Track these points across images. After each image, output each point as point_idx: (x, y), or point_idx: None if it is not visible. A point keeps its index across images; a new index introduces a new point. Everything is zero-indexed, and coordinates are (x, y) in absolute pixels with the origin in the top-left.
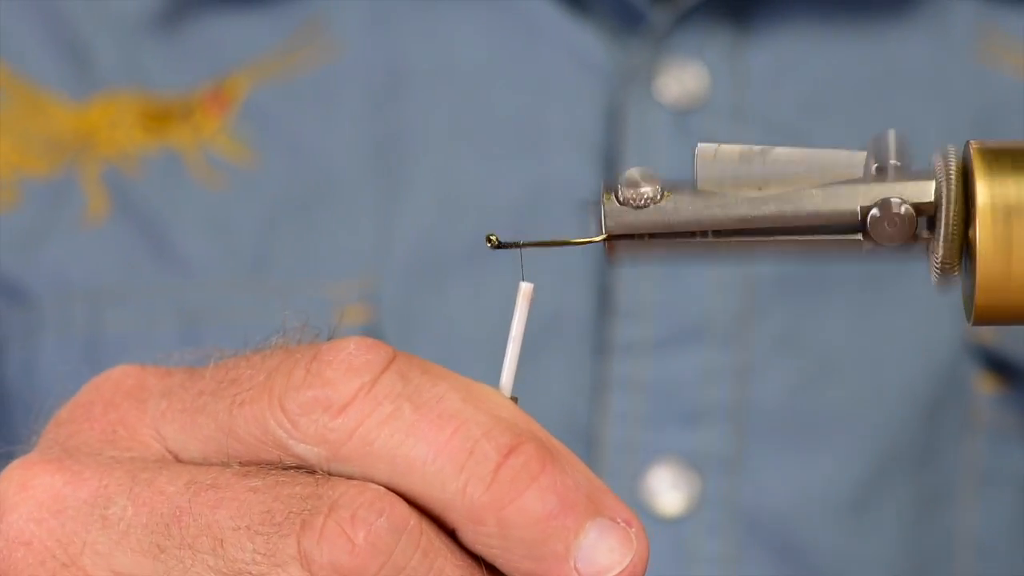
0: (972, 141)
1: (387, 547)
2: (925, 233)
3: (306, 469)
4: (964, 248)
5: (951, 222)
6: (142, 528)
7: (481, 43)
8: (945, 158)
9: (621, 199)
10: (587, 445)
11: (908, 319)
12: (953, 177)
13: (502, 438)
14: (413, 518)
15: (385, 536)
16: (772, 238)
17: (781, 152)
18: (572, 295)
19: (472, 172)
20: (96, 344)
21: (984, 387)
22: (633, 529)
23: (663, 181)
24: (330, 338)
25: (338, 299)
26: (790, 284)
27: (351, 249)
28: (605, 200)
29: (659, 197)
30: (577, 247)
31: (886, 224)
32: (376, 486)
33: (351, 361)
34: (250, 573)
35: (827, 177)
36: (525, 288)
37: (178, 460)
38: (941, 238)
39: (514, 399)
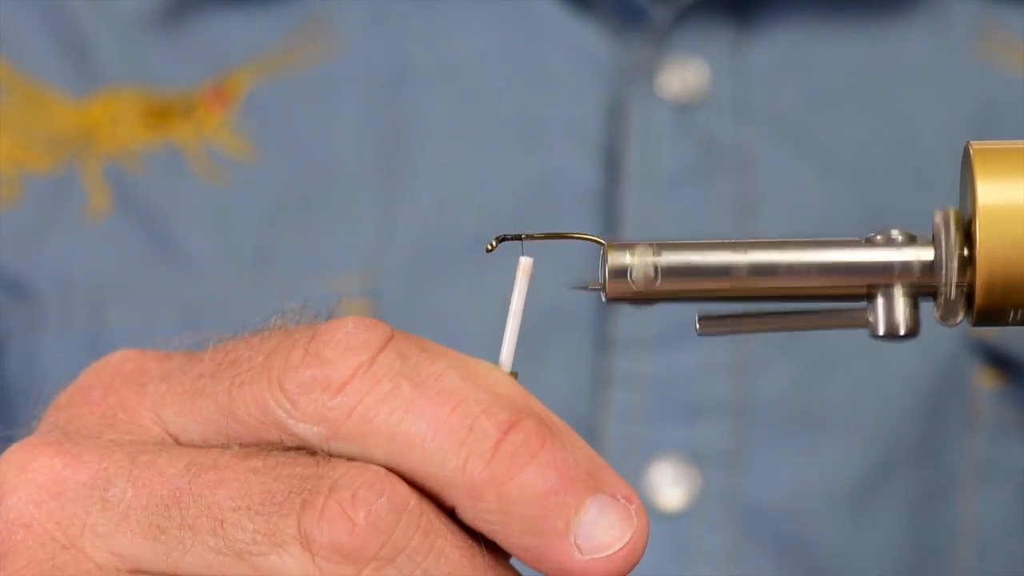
0: (972, 142)
1: (387, 527)
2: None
3: (307, 450)
4: (968, 306)
5: (952, 281)
6: (142, 510)
7: (482, 40)
8: (945, 220)
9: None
10: (588, 440)
11: None
12: (954, 240)
13: (501, 415)
14: (413, 498)
15: (385, 516)
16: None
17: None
18: (573, 290)
19: (474, 168)
20: (98, 339)
21: (985, 382)
22: (633, 506)
23: (656, 263)
24: (328, 319)
25: (340, 294)
26: None
27: (352, 244)
28: (607, 278)
29: (655, 279)
30: (578, 242)
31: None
32: (376, 467)
33: (349, 340)
34: (250, 553)
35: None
36: (525, 263)
37: (178, 442)
38: (943, 297)
39: (514, 374)
